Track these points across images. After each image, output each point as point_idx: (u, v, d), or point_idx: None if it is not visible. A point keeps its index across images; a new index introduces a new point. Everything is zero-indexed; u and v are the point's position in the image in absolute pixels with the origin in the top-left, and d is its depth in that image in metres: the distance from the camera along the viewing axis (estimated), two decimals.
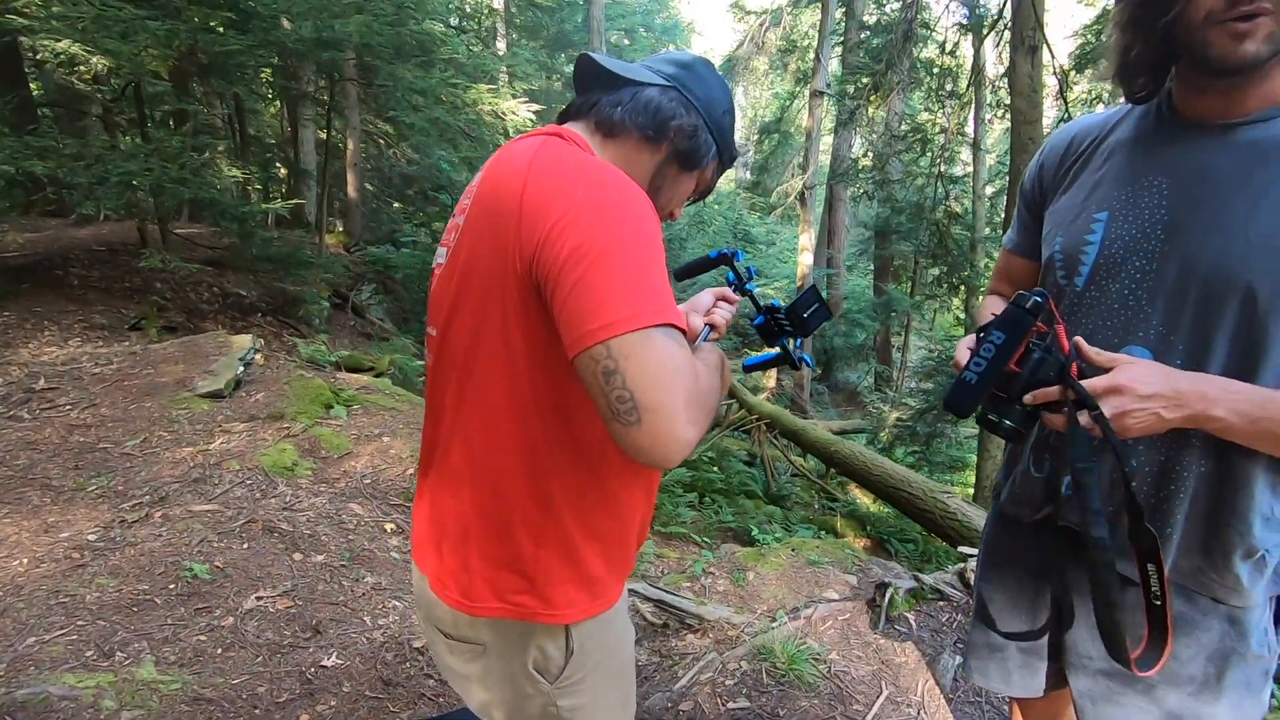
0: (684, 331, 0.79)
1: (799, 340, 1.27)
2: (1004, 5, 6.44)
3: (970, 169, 10.23)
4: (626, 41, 13.83)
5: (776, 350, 1.25)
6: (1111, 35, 1.02)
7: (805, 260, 11.26)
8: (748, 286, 1.27)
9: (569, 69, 12.13)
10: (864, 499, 7.39)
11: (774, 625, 2.36)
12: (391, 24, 6.79)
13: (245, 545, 2.75)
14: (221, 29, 6.06)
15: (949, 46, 6.69)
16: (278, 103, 11.94)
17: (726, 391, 1.02)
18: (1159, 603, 0.92)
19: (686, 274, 1.35)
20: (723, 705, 2.01)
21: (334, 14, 6.22)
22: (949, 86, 6.71)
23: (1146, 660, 0.94)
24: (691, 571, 2.88)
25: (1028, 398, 0.91)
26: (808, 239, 11.16)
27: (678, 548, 4.56)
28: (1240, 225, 0.89)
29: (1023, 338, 0.91)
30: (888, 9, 9.81)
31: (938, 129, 6.56)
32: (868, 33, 9.05)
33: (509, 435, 0.88)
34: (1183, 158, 0.95)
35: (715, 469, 6.68)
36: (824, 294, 1.33)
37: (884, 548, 6.23)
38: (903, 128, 7.16)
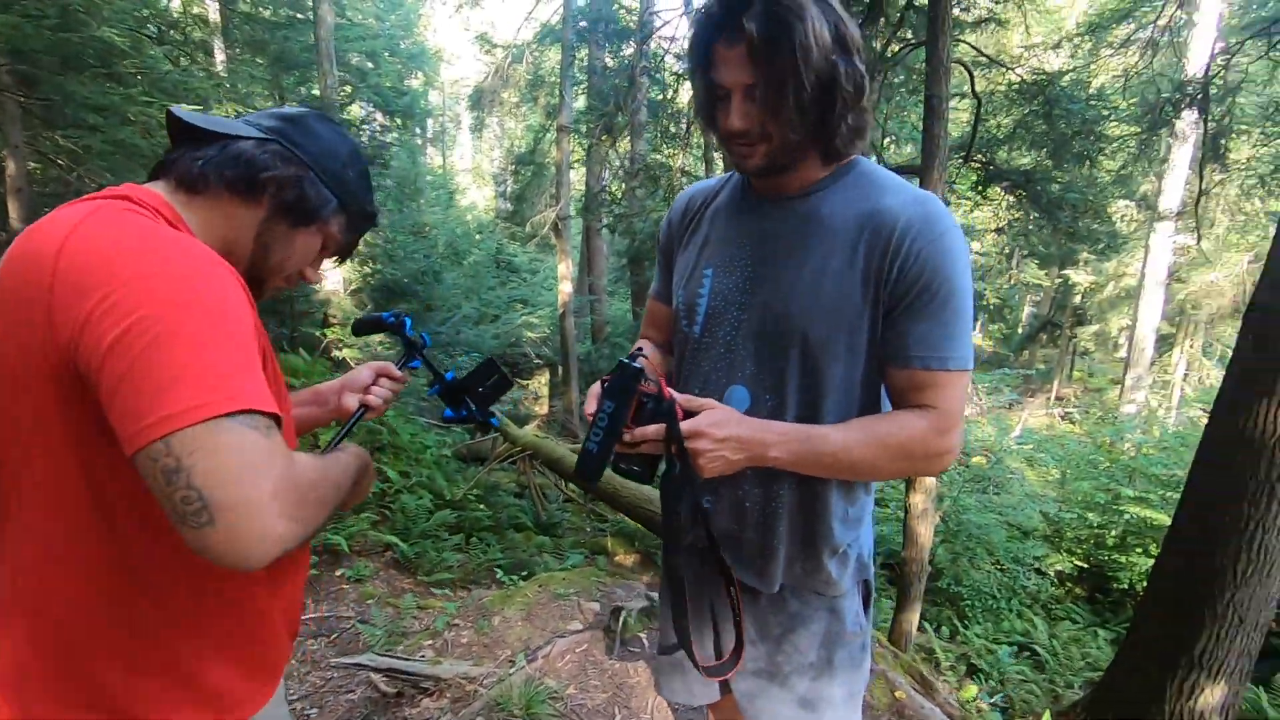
0: (274, 415, 0.71)
1: (479, 409, 1.25)
2: None
3: None
4: (370, 65, 13.14)
5: (463, 411, 1.23)
6: None
7: (565, 288, 11.55)
8: (412, 364, 1.23)
9: (303, 88, 11.22)
10: (631, 519, 7.69)
11: (512, 671, 2.33)
12: (56, 29, 5.70)
13: None
14: None
15: (670, 94, 7.42)
16: None
17: (364, 494, 0.96)
18: (738, 619, 1.10)
19: (363, 330, 1.28)
20: None
21: None
22: (672, 129, 7.44)
23: (724, 667, 1.13)
24: (433, 628, 2.75)
25: (628, 436, 1.00)
26: (565, 268, 11.47)
27: (445, 597, 4.36)
28: (792, 281, 1.07)
29: (631, 402, 1.00)
30: (623, 52, 10.52)
31: (668, 168, 7.17)
32: (608, 71, 9.66)
33: (72, 557, 0.75)
34: (758, 224, 1.13)
35: (482, 506, 6.51)
36: (503, 368, 1.34)
37: (651, 560, 6.53)
38: (634, 166, 7.77)
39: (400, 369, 1.22)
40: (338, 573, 3.84)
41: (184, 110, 0.90)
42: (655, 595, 2.67)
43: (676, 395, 1.02)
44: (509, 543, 6.03)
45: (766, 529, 1.16)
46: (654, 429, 0.99)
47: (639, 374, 1.00)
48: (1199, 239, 6.62)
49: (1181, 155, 10.66)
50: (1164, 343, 15.02)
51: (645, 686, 2.29)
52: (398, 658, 2.35)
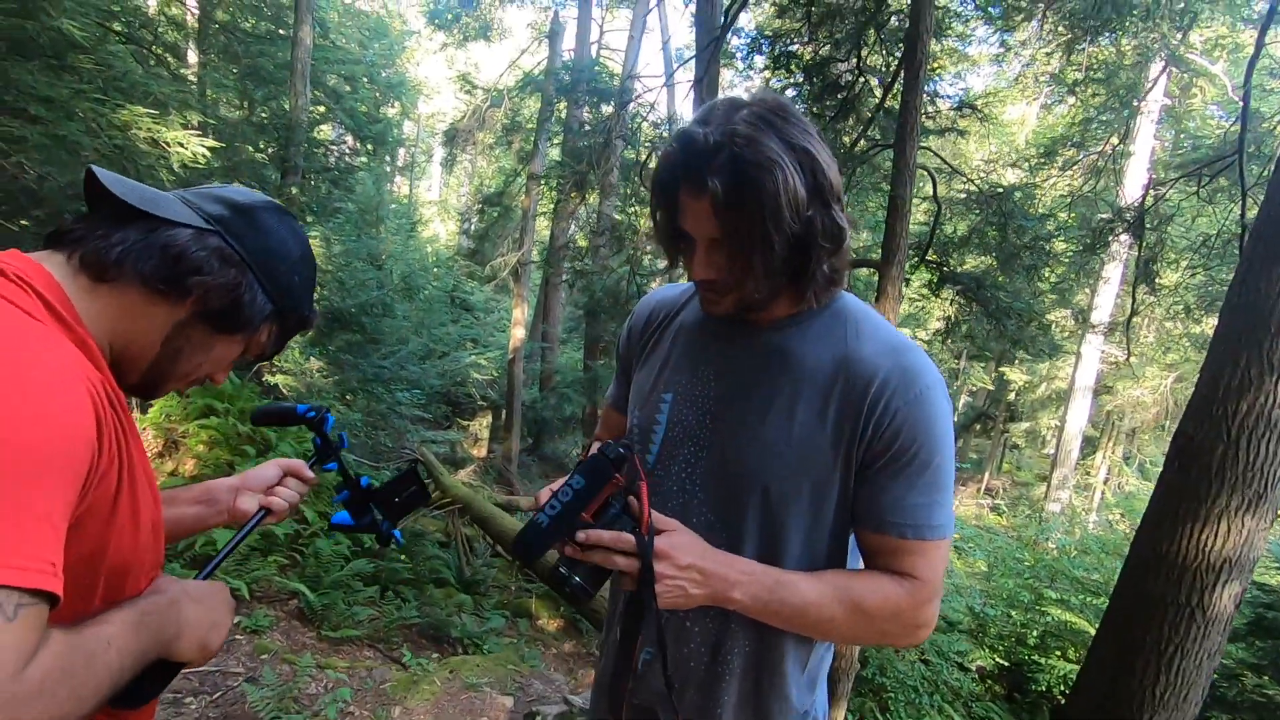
0: (34, 592, 0.56)
1: (387, 521, 1.11)
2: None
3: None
4: (347, 88, 13.03)
5: (365, 519, 1.09)
6: None
7: (518, 334, 11.44)
8: (328, 466, 1.09)
9: (273, 103, 11.02)
10: None
11: None
12: (11, 14, 5.45)
13: None
14: None
15: (643, 157, 7.54)
16: None
17: (189, 636, 0.76)
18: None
19: (265, 421, 1.13)
20: None
21: None
22: (643, 192, 7.52)
23: None
24: (324, 715, 2.50)
25: (581, 535, 0.88)
26: (520, 313, 11.39)
27: (348, 655, 4.04)
28: (755, 428, 0.98)
29: (602, 487, 0.89)
30: (601, 110, 10.73)
31: (634, 230, 7.23)
32: (585, 128, 9.81)
33: None
34: (723, 353, 1.04)
35: (403, 557, 6.18)
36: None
37: (576, 627, 6.27)
38: (600, 225, 7.81)
39: (312, 469, 1.09)
40: (233, 620, 3.52)
41: (107, 174, 0.76)
42: (574, 699, 2.50)
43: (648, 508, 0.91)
44: (428, 598, 5.70)
45: (712, 692, 1.05)
46: (611, 535, 0.88)
47: (624, 459, 0.90)
48: (1128, 355, 7.00)
49: (1114, 271, 11.39)
50: (1088, 444, 15.72)
51: None
52: None
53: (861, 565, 1.04)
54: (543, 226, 14.30)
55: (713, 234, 0.90)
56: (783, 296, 0.98)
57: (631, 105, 7.90)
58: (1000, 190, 4.98)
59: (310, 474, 1.08)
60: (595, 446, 0.97)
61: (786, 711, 1.05)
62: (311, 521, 4.77)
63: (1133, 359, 10.67)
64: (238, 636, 3.54)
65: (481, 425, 13.93)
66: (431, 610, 5.26)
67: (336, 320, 7.56)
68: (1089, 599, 6.71)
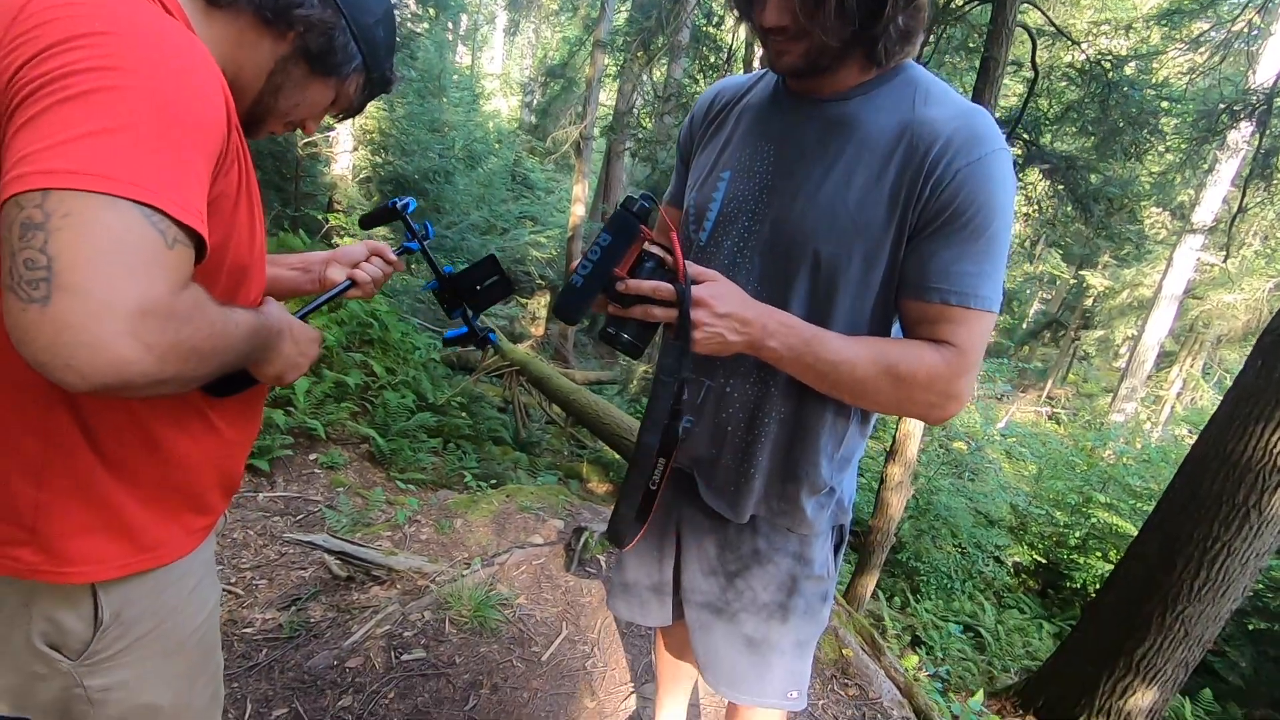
0: (190, 231, 0.60)
1: (475, 314, 1.17)
2: None
3: None
4: None
5: (465, 327, 1.16)
6: None
7: (578, 211, 11.32)
8: (409, 245, 1.16)
9: None
10: (610, 447, 7.77)
11: (467, 573, 2.34)
12: None
13: None
14: None
15: (715, 20, 7.02)
16: None
17: (281, 365, 0.83)
18: (654, 489, 1.05)
19: (370, 224, 1.21)
20: (396, 658, 1.95)
21: None
22: (713, 59, 7.09)
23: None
24: (394, 520, 2.75)
25: (620, 286, 0.91)
26: (581, 190, 11.21)
27: (414, 495, 4.40)
28: (811, 194, 0.96)
29: (631, 240, 0.91)
30: None
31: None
32: None
33: None
34: (784, 127, 1.02)
35: (464, 414, 6.54)
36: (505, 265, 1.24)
37: None
38: (667, 91, 7.41)
39: (398, 254, 1.17)
40: (311, 457, 3.85)
41: None
42: None
43: (683, 260, 0.92)
44: (485, 454, 6.08)
45: (746, 456, 1.09)
46: (650, 284, 0.89)
47: (647, 210, 0.90)
48: (1226, 257, 6.45)
49: (1226, 170, 10.35)
50: (1164, 358, 14.97)
51: (596, 607, 2.30)
52: (353, 543, 2.35)
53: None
54: (605, 103, 13.77)
55: None
56: (852, 60, 0.94)
57: None
58: (1110, 60, 4.46)
59: (393, 256, 1.15)
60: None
61: (816, 483, 1.09)
62: (380, 376, 5.05)
63: (1230, 264, 9.88)
64: (315, 470, 3.87)
65: (539, 304, 14.13)
66: (489, 464, 5.62)
67: (401, 184, 7.62)
68: (1140, 505, 6.65)
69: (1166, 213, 11.54)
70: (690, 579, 1.22)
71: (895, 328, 1.05)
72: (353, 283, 1.10)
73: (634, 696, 1.96)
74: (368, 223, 1.20)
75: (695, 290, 0.90)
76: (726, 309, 0.91)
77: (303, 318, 0.95)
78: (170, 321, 0.57)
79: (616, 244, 0.90)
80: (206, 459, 0.85)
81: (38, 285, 0.52)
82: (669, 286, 0.89)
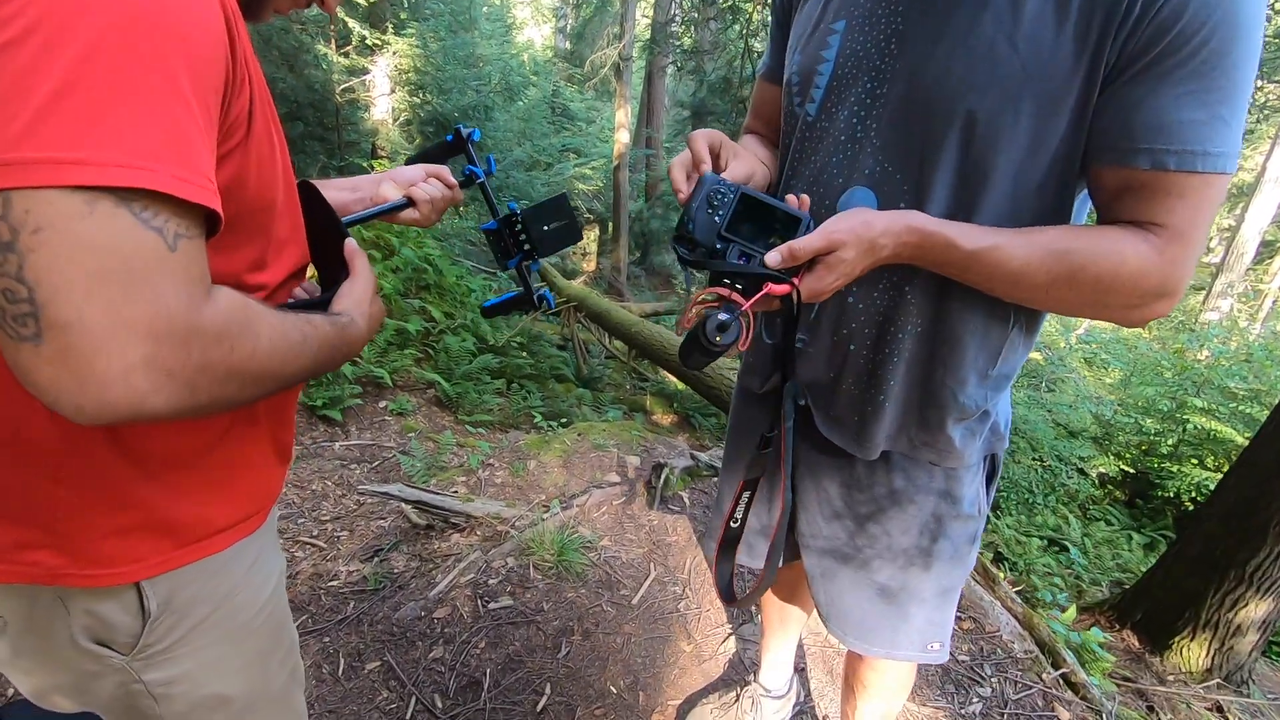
0: (199, 209, 0.48)
1: (535, 264, 1.02)
2: None
3: None
4: None
5: (516, 291, 1.02)
6: None
7: (622, 138, 10.92)
8: (470, 169, 1.01)
9: None
10: (673, 376, 7.70)
11: (546, 516, 2.30)
12: None
13: None
14: None
15: None
16: None
17: (335, 361, 0.70)
18: (735, 525, 0.99)
19: (422, 160, 1.06)
20: (484, 606, 1.93)
21: None
22: None
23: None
24: (467, 465, 2.73)
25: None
26: (623, 115, 10.78)
27: (483, 436, 4.44)
28: (961, 37, 0.74)
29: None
30: None
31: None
32: None
33: None
34: None
35: (524, 354, 6.54)
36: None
37: (689, 423, 6.57)
38: None
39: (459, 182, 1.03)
40: (380, 404, 3.88)
41: None
42: (699, 455, 2.58)
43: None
44: (549, 392, 6.08)
45: (874, 381, 0.91)
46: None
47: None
48: None
49: None
50: (1265, 249, 13.79)
51: (684, 545, 2.24)
52: (430, 491, 2.34)
53: None
54: (643, 21, 13.06)
55: None
56: None
57: None
58: None
59: (452, 178, 1.02)
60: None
61: (964, 408, 0.90)
62: (439, 320, 5.04)
63: None
64: (386, 418, 3.91)
65: (589, 239, 13.92)
66: (554, 402, 5.62)
67: (442, 125, 7.45)
68: (1241, 408, 6.22)
69: (1272, 84, 10.32)
70: (809, 523, 1.09)
71: (1077, 208, 0.82)
72: (410, 201, 0.97)
73: (733, 639, 1.90)
74: (419, 159, 1.06)
75: (807, 281, 0.75)
76: (848, 269, 0.75)
77: (356, 222, 0.84)
78: (194, 341, 0.48)
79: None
80: (259, 431, 0.75)
81: (25, 321, 0.42)
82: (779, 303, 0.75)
